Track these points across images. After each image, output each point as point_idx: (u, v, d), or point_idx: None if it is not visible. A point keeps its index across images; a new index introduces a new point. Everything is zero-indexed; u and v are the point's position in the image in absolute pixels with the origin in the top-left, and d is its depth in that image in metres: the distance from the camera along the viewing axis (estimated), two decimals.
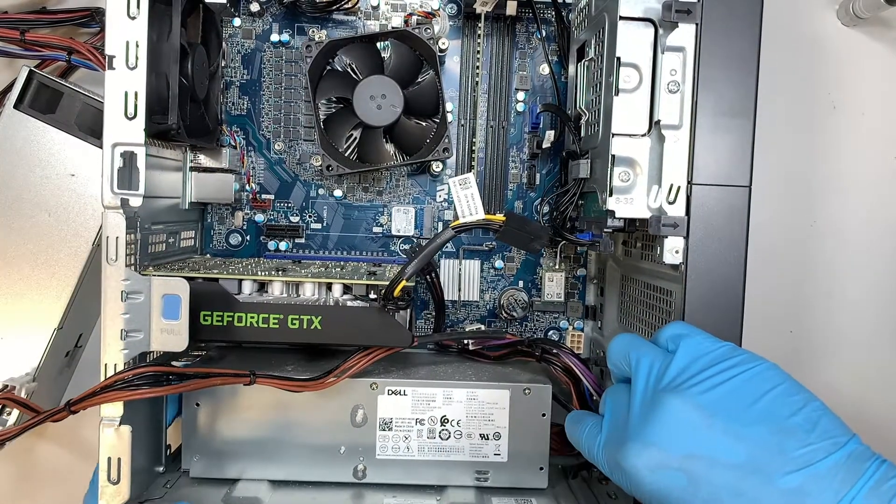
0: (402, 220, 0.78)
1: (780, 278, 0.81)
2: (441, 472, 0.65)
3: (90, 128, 0.69)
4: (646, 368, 0.50)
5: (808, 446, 0.43)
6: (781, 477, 0.42)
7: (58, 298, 0.69)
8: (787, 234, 0.81)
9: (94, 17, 0.73)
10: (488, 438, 0.65)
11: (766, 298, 0.80)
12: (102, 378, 0.55)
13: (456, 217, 0.77)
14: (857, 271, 0.82)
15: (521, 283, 0.80)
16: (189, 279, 0.58)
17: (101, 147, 0.67)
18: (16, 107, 0.68)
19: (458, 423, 0.65)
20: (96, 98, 0.69)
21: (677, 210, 0.56)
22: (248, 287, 0.63)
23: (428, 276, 0.70)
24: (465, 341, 0.71)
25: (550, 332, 0.80)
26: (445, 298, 0.76)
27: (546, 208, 0.78)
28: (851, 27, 0.80)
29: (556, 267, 0.79)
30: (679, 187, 0.56)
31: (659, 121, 0.56)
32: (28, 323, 0.69)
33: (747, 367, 0.46)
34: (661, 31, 0.57)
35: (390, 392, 0.64)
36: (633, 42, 0.57)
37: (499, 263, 0.79)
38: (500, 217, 0.61)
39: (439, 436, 0.65)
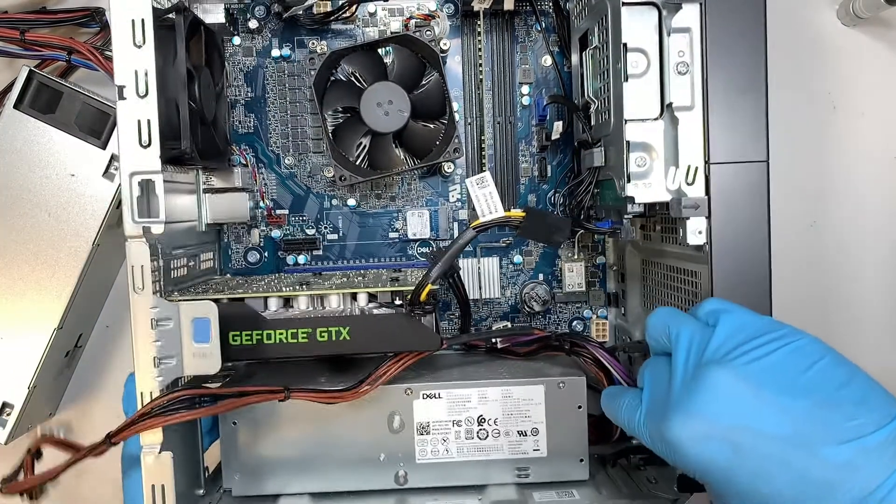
0: (417, 224, 0.78)
1: (780, 278, 0.81)
2: (482, 472, 0.65)
3: (90, 128, 0.69)
4: (686, 341, 0.50)
5: (855, 419, 0.42)
6: (830, 448, 0.42)
7: (58, 298, 0.69)
8: (787, 234, 0.80)
9: (94, 17, 0.73)
10: (526, 434, 0.65)
11: None
12: (139, 406, 0.55)
13: (470, 216, 0.77)
14: (858, 271, 0.82)
15: (540, 277, 0.80)
16: (215, 301, 0.58)
17: (101, 147, 0.68)
18: (16, 107, 0.68)
19: (495, 422, 0.64)
20: (96, 98, 0.69)
21: (697, 191, 0.56)
22: (273, 304, 0.63)
23: (450, 278, 0.70)
24: (494, 340, 0.71)
25: (574, 323, 0.80)
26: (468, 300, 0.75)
27: (560, 200, 0.78)
28: (851, 27, 0.80)
29: (575, 257, 0.79)
30: (697, 168, 0.56)
31: (671, 103, 0.56)
32: (28, 323, 0.69)
33: (790, 340, 0.46)
34: (664, 12, 0.56)
35: (425, 396, 0.64)
36: (637, 27, 0.57)
37: (517, 258, 0.79)
38: (519, 213, 0.61)
39: (477, 436, 0.64)
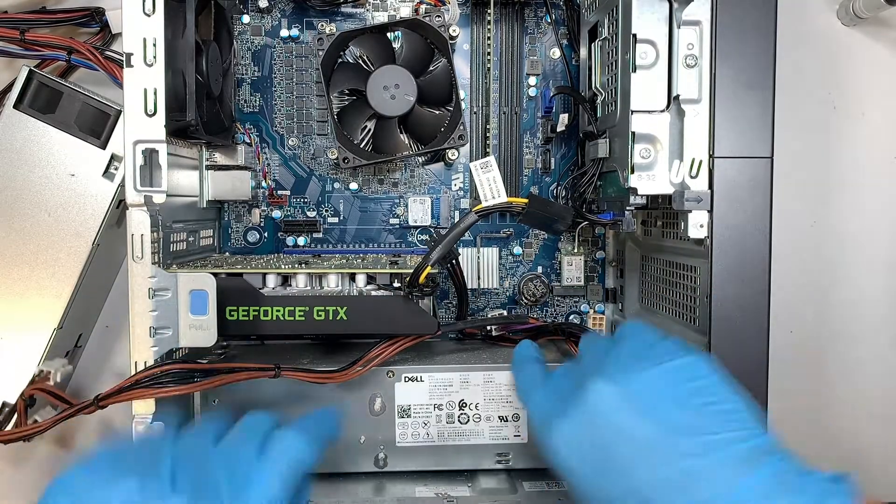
0: (418, 211, 0.78)
1: (780, 278, 0.81)
2: (462, 456, 0.65)
3: (90, 128, 0.69)
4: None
5: (717, 434, 0.44)
6: (686, 453, 0.43)
7: (58, 298, 0.69)
8: (787, 233, 0.80)
9: (94, 17, 0.73)
10: (507, 420, 0.65)
11: None
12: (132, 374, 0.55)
13: (472, 205, 0.77)
14: (857, 271, 0.81)
15: (539, 269, 0.80)
16: (213, 275, 0.58)
17: (101, 147, 0.68)
18: (16, 107, 0.68)
19: (476, 407, 0.64)
20: (96, 98, 0.69)
21: (700, 184, 0.56)
22: (272, 281, 0.63)
23: (449, 265, 0.70)
24: (489, 328, 0.71)
25: (572, 316, 0.80)
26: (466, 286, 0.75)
27: (563, 192, 0.78)
28: (851, 27, 0.80)
29: (575, 251, 0.79)
30: (701, 161, 0.56)
31: (678, 95, 0.56)
32: (28, 323, 0.68)
33: (675, 357, 0.47)
34: (675, 5, 0.56)
35: (407, 379, 0.64)
36: (648, 18, 0.57)
37: (517, 250, 0.79)
38: (522, 200, 0.61)
39: (458, 420, 0.64)
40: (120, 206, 0.70)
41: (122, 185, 0.69)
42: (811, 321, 0.81)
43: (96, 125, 0.69)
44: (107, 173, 0.69)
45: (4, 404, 0.68)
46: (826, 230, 0.81)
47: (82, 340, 0.77)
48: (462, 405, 0.64)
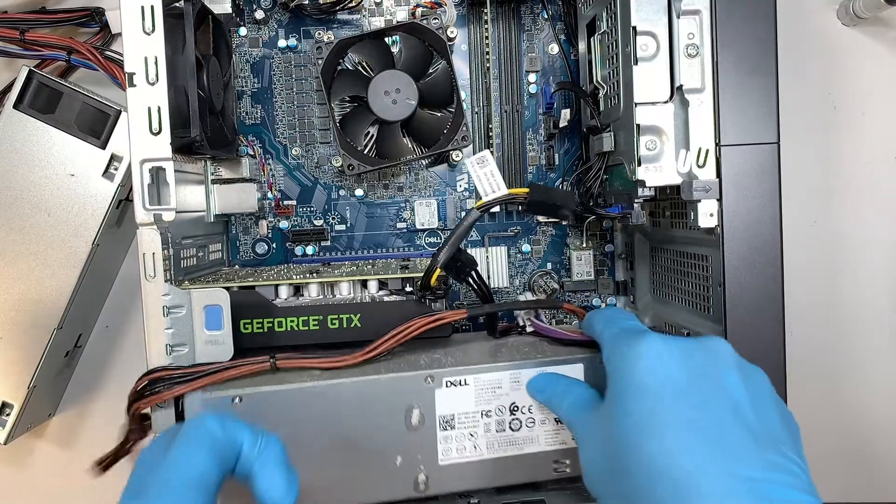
0: (425, 214, 0.78)
1: None
2: (516, 469, 0.56)
3: (90, 128, 0.69)
4: None
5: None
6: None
7: (58, 298, 0.69)
8: (787, 234, 0.79)
9: (94, 17, 0.74)
10: None
11: None
12: None
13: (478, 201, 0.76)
14: (857, 271, 0.81)
15: (549, 265, 0.80)
16: (226, 289, 0.58)
17: (100, 147, 0.69)
18: (15, 107, 0.68)
19: (529, 410, 0.56)
20: (96, 98, 0.69)
21: (708, 173, 0.56)
22: (284, 292, 0.63)
23: (469, 276, 0.63)
24: (522, 324, 0.66)
25: None
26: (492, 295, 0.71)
27: (568, 188, 0.78)
28: (851, 27, 0.80)
29: (584, 245, 0.79)
30: (708, 150, 0.56)
31: (681, 86, 0.56)
32: (28, 323, 0.69)
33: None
34: None
35: (449, 384, 0.55)
36: (647, 10, 0.57)
37: (525, 247, 0.79)
38: (523, 189, 0.60)
39: (510, 427, 0.56)
40: (120, 206, 0.70)
41: (121, 185, 0.69)
42: (811, 321, 0.81)
43: (96, 125, 0.69)
44: (106, 173, 0.69)
45: (5, 404, 0.69)
46: (826, 230, 0.81)
47: (82, 340, 0.78)
48: (513, 409, 0.56)
